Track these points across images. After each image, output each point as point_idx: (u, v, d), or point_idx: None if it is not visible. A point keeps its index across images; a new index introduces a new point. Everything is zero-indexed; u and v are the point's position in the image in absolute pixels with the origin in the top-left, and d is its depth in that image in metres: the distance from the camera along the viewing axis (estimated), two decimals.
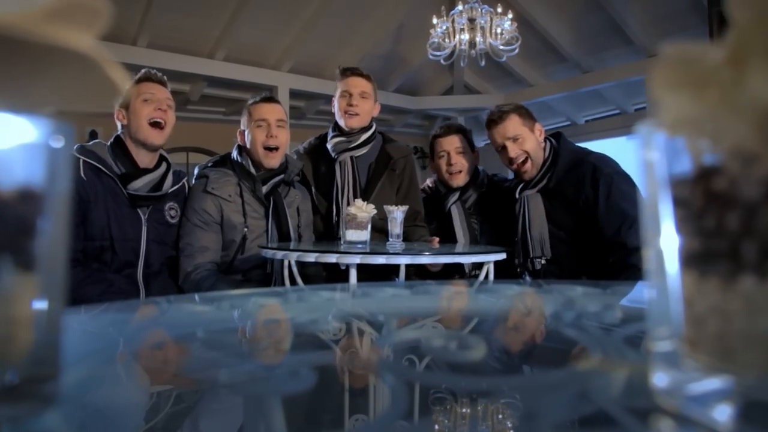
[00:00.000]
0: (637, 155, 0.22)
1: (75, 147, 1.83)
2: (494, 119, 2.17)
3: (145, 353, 0.42)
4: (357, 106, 2.23)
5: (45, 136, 0.22)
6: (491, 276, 1.86)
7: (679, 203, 0.20)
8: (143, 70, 1.94)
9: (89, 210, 1.75)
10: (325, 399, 0.30)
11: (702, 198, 0.19)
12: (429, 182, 2.57)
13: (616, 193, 1.98)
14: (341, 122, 2.27)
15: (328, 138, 2.30)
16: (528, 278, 2.30)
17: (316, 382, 0.32)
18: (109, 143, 1.90)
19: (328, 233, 2.24)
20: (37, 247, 0.21)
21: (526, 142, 2.13)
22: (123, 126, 1.91)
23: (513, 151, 2.13)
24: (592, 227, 2.01)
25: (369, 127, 2.29)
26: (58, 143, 0.22)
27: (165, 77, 1.98)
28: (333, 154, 2.25)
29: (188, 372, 0.38)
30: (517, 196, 2.20)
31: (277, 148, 2.04)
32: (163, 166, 1.96)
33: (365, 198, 2.20)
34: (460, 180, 2.36)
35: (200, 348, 0.45)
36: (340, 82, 2.30)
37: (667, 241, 0.20)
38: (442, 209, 2.40)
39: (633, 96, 7.41)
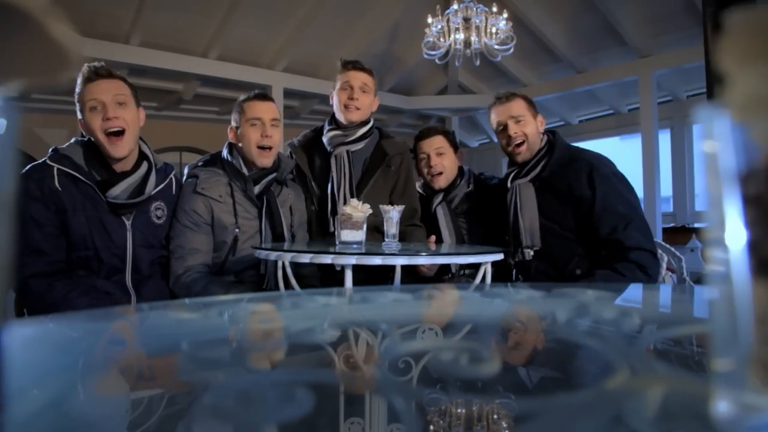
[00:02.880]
0: (697, 145, 0.19)
1: (49, 151, 1.72)
2: (501, 98, 2.20)
3: (124, 371, 0.39)
4: (358, 99, 2.19)
5: None
6: (488, 278, 1.83)
7: (750, 201, 0.17)
8: (84, 66, 1.72)
9: (68, 220, 1.65)
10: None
11: None
12: (418, 185, 2.55)
13: (613, 193, 1.99)
14: (340, 116, 2.22)
15: (324, 131, 2.26)
16: (520, 278, 2.27)
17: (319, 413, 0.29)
18: (84, 144, 1.76)
19: (322, 228, 2.20)
20: None
21: (527, 125, 2.15)
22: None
23: (513, 129, 2.14)
24: (586, 223, 2.01)
25: (366, 122, 2.25)
26: None
27: (110, 69, 1.76)
28: (329, 148, 2.21)
29: (170, 396, 0.34)
30: (508, 185, 2.20)
31: (271, 148, 1.99)
32: (144, 166, 1.81)
33: (358, 193, 2.17)
34: (441, 182, 2.36)
35: (185, 364, 0.41)
36: (340, 74, 2.25)
37: (734, 246, 0.17)
38: (428, 211, 2.38)
39: (627, 96, 7.42)
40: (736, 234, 0.17)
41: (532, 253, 2.12)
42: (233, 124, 2.05)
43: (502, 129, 2.18)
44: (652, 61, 6.48)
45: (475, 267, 2.09)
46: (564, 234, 2.08)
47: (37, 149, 4.60)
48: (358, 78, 2.22)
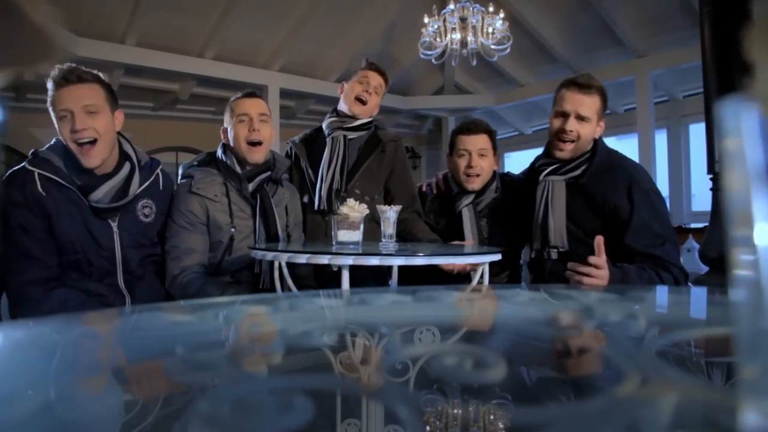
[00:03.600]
0: (721, 140, 0.18)
1: (29, 155, 1.68)
2: (580, 84, 1.98)
3: (115, 375, 0.38)
4: (370, 95, 2.25)
5: None
6: (486, 278, 1.82)
7: None
8: (55, 68, 1.64)
9: (53, 225, 1.61)
10: None
11: None
12: (440, 176, 2.40)
13: (651, 212, 1.89)
14: (346, 107, 2.26)
15: (325, 119, 2.31)
16: (523, 282, 2.25)
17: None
18: (60, 145, 1.70)
19: (313, 210, 2.20)
20: None
21: (588, 127, 1.97)
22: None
23: (572, 125, 1.95)
24: (614, 233, 1.90)
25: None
26: None
27: (84, 71, 1.67)
28: (326, 131, 2.25)
29: (164, 401, 0.33)
30: (540, 178, 2.04)
31: (260, 143, 1.98)
32: (126, 167, 1.75)
33: (351, 176, 2.18)
34: (476, 184, 2.20)
35: (178, 370, 0.40)
36: (361, 70, 2.30)
37: (762, 245, 0.16)
38: (452, 209, 2.26)
39: (623, 96, 7.43)
40: (764, 233, 0.17)
41: (556, 253, 2.00)
42: (225, 125, 2.04)
43: (562, 115, 1.98)
44: (648, 62, 6.49)
45: (499, 266, 2.06)
46: (586, 240, 1.94)
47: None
48: (376, 79, 2.29)
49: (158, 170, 1.88)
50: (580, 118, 1.95)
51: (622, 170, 1.95)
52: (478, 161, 2.17)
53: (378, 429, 0.27)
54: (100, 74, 1.74)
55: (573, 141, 1.96)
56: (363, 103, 2.23)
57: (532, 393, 0.35)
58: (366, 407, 0.29)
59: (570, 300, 0.64)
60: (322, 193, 2.16)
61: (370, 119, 2.32)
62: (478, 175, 2.18)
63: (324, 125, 2.28)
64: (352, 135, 2.25)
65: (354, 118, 2.25)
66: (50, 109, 1.65)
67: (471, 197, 2.22)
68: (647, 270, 1.82)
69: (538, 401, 0.34)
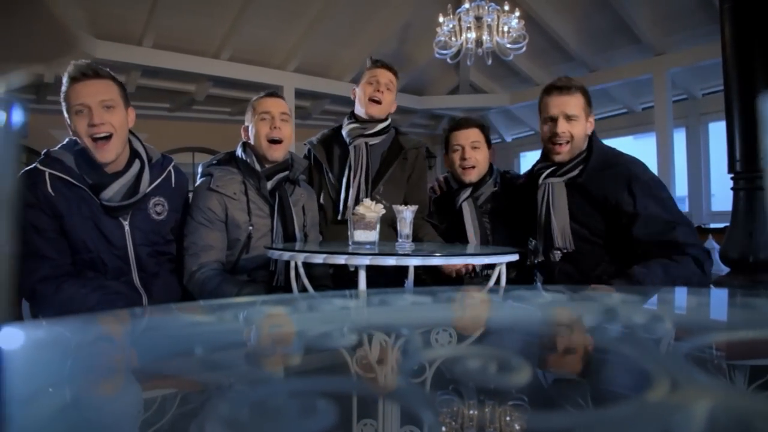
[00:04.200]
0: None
1: (41, 155, 1.69)
2: (560, 87, 2.02)
3: (139, 375, 0.38)
4: (383, 93, 2.26)
5: None
6: (503, 278, 1.81)
7: None
8: (71, 64, 1.65)
9: (65, 224, 1.62)
10: None
11: None
12: (440, 177, 2.46)
13: (655, 200, 1.89)
14: (361, 110, 2.29)
15: (344, 125, 2.32)
16: (538, 282, 2.24)
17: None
18: (75, 146, 1.71)
19: (336, 219, 2.22)
20: None
21: (578, 126, 2.00)
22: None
23: (562, 127, 1.99)
24: (619, 230, 1.92)
25: (385, 119, 2.30)
26: None
27: (98, 67, 1.68)
28: (348, 140, 2.27)
29: (187, 399, 0.33)
30: (540, 181, 2.07)
31: (281, 141, 2.00)
32: (136, 164, 1.75)
33: (376, 184, 2.20)
34: (472, 176, 2.26)
35: (200, 369, 0.40)
36: (368, 70, 2.32)
37: None
38: (453, 206, 2.30)
39: (641, 95, 7.36)
40: None
41: (560, 255, 2.02)
42: (246, 123, 2.07)
43: (550, 121, 2.02)
44: (666, 59, 6.41)
45: (510, 266, 2.06)
46: (592, 239, 1.99)
47: None
48: (385, 75, 2.29)
49: (170, 167, 1.88)
50: (568, 117, 1.99)
51: (620, 167, 1.97)
52: (472, 153, 2.24)
53: (394, 430, 0.27)
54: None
55: (568, 141, 2.00)
56: (378, 102, 2.25)
57: (551, 396, 0.35)
58: (383, 408, 0.29)
59: (595, 302, 0.64)
60: (348, 203, 2.17)
61: (389, 122, 2.33)
62: (473, 167, 2.25)
63: (344, 132, 2.29)
64: (373, 141, 2.27)
65: (373, 122, 2.27)
66: (63, 105, 1.66)
67: (469, 190, 2.27)
68: (666, 264, 1.80)
69: (558, 405, 0.34)
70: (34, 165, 1.66)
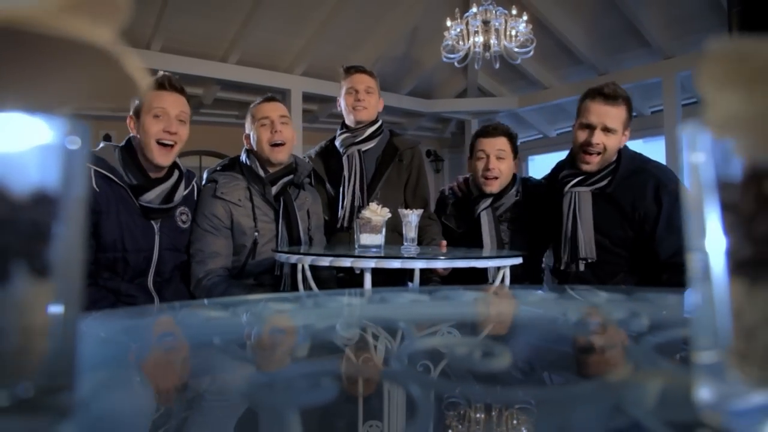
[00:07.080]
0: (682, 157, 0.20)
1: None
2: (606, 94, 1.93)
3: (159, 362, 0.42)
4: (364, 100, 2.28)
5: (61, 137, 0.21)
6: (507, 281, 1.84)
7: (727, 207, 0.19)
8: (160, 74, 1.82)
9: (101, 221, 1.70)
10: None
11: (753, 202, 0.18)
12: (460, 179, 2.40)
13: (679, 213, 1.79)
14: (349, 119, 2.32)
15: (337, 136, 2.35)
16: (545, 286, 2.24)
17: None
18: (118, 148, 1.83)
19: (333, 226, 2.24)
20: (52, 252, 0.21)
21: (613, 139, 1.93)
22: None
23: (598, 138, 1.92)
24: (643, 241, 1.89)
25: (375, 122, 2.32)
26: (74, 145, 0.21)
27: (181, 83, 1.87)
28: (341, 150, 2.29)
29: (201, 381, 0.37)
30: (566, 189, 2.02)
31: (283, 143, 2.05)
32: (175, 174, 1.89)
33: (372, 189, 2.22)
34: (494, 187, 2.20)
35: (215, 357, 0.44)
36: (344, 80, 2.34)
37: (713, 247, 0.19)
38: (471, 213, 2.25)
39: (649, 98, 7.33)
40: (714, 237, 0.19)
41: (584, 264, 1.97)
42: (247, 131, 2.12)
43: (587, 127, 1.95)
44: (675, 63, 6.39)
45: (522, 270, 2.04)
46: (614, 249, 1.95)
47: None
48: (362, 81, 2.30)
49: (194, 181, 2.01)
50: (607, 130, 1.92)
51: (648, 173, 1.92)
52: (496, 164, 2.18)
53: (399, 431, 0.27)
54: None
55: (599, 153, 1.94)
56: (362, 108, 2.27)
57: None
58: (387, 409, 0.30)
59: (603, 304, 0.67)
60: (346, 213, 2.20)
61: (380, 123, 2.34)
62: (496, 178, 2.18)
63: (337, 143, 2.32)
64: (366, 146, 2.29)
65: (363, 128, 2.29)
66: (138, 114, 1.78)
67: (489, 201, 2.21)
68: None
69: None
70: None
